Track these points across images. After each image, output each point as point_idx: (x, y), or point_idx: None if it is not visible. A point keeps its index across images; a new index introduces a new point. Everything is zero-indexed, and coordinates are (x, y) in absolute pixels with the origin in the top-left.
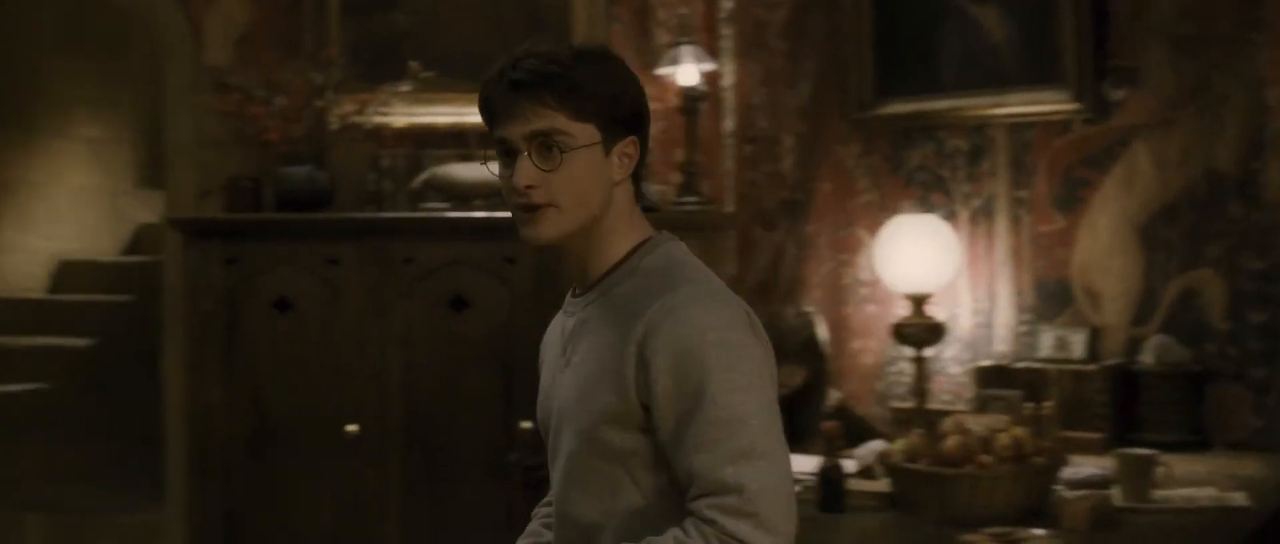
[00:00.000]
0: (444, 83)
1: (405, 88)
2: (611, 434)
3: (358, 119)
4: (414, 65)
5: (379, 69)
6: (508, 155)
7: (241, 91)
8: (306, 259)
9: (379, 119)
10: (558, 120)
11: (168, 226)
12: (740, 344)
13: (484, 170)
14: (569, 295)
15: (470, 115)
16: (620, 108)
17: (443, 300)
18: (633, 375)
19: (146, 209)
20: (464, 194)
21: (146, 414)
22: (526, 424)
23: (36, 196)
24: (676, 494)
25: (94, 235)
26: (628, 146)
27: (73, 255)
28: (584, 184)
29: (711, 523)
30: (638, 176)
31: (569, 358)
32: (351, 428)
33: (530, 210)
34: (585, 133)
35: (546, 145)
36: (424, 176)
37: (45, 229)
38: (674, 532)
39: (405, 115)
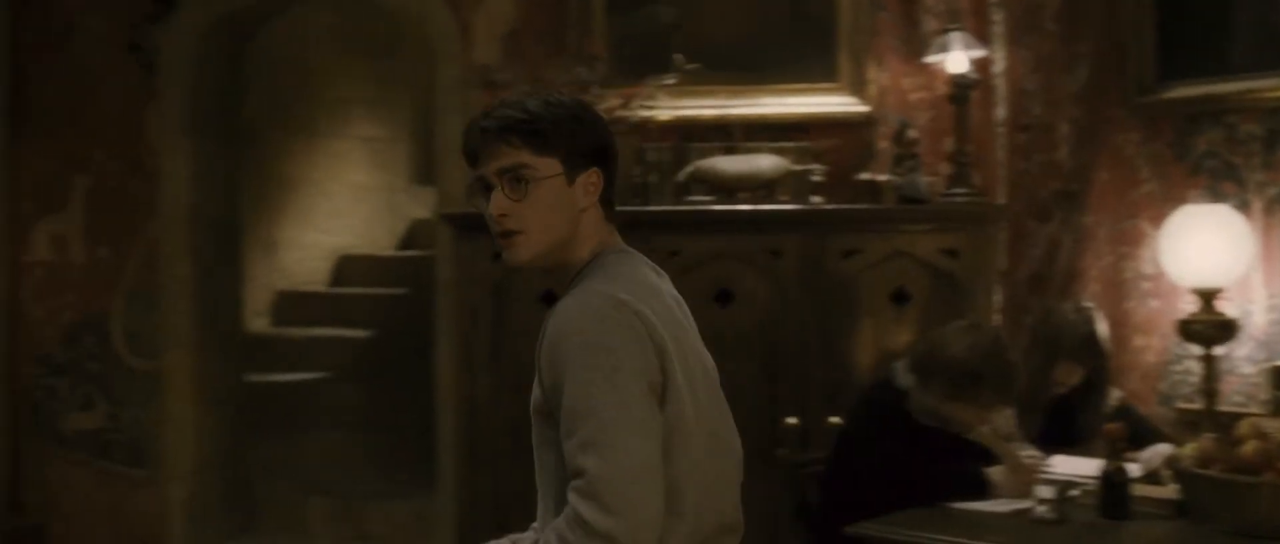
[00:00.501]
0: (708, 76)
1: (669, 81)
2: (541, 426)
3: (623, 113)
4: (678, 58)
5: (643, 63)
6: (486, 190)
7: (508, 88)
8: None
9: (644, 113)
10: (523, 156)
11: (439, 222)
12: (599, 343)
13: (749, 163)
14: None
15: (735, 108)
16: (579, 142)
17: (707, 293)
18: (540, 373)
19: (420, 205)
20: (729, 187)
21: (420, 403)
22: (792, 420)
23: (318, 194)
24: None
25: (371, 231)
26: (591, 177)
27: (352, 250)
28: (549, 211)
29: (569, 504)
30: (607, 201)
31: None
32: None
33: (506, 237)
34: (548, 166)
35: (516, 178)
36: (689, 170)
37: (326, 225)
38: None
39: (670, 109)
